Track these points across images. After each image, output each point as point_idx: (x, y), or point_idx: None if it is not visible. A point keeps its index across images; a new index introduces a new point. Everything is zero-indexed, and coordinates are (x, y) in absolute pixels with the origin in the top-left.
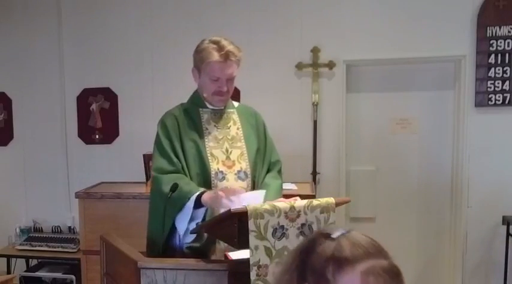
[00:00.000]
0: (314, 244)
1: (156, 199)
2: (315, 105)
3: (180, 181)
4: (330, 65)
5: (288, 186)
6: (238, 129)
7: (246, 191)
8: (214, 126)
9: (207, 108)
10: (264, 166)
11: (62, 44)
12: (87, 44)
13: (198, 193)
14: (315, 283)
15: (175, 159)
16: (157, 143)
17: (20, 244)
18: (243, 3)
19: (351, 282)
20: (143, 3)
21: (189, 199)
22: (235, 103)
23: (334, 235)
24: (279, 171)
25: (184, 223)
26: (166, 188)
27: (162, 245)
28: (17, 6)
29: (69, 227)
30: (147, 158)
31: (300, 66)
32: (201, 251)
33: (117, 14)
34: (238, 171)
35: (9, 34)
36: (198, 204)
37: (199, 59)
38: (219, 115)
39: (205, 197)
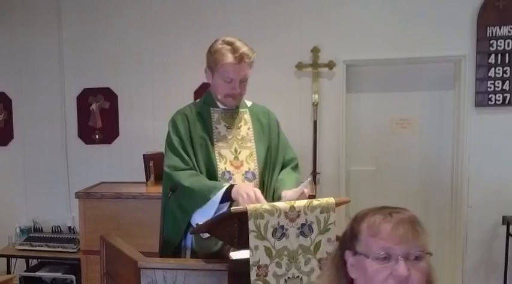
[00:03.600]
0: (352, 228)
1: (172, 194)
2: (315, 105)
3: (197, 177)
4: (330, 65)
5: None
6: (249, 129)
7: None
8: (225, 125)
9: (218, 107)
10: (276, 165)
11: (62, 44)
12: (87, 44)
13: (227, 186)
14: (363, 246)
15: (186, 157)
16: (169, 142)
17: (20, 244)
18: (243, 3)
19: (368, 222)
20: (143, 3)
21: (215, 193)
22: (249, 103)
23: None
24: (294, 168)
25: (207, 218)
26: (186, 182)
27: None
28: (17, 6)
29: (69, 227)
30: (147, 158)
31: (300, 66)
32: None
33: (117, 14)
34: (246, 172)
35: (9, 34)
36: (224, 198)
37: (213, 60)
38: (229, 114)
39: (237, 188)
